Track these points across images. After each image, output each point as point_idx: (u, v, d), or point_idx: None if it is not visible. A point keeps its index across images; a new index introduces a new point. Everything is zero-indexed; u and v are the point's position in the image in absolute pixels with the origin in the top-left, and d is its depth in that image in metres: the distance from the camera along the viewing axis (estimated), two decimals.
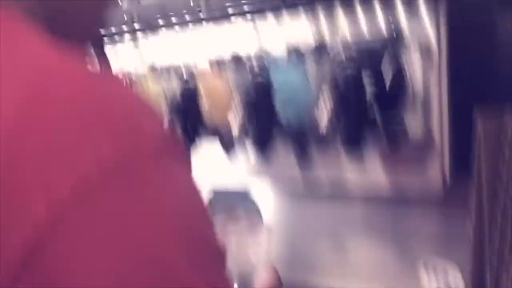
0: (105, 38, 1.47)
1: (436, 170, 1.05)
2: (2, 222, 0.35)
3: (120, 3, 1.42)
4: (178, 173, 0.39)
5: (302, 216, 1.36)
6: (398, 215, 1.27)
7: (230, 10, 1.29)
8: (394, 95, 1.08)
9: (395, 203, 1.26)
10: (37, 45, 0.41)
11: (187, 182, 0.40)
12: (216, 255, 0.40)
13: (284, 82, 1.24)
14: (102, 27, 0.53)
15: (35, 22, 0.45)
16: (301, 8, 1.21)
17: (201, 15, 1.32)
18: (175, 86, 1.41)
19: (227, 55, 1.29)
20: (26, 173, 0.36)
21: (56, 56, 0.40)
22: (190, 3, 1.26)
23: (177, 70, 1.39)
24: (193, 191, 0.40)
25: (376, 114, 1.09)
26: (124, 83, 0.42)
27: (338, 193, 1.22)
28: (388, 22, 1.11)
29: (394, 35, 1.05)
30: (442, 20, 1.04)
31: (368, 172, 1.15)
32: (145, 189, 0.37)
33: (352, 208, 1.32)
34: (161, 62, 1.42)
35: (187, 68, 1.38)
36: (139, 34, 1.48)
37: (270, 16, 1.27)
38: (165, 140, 0.39)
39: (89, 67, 0.41)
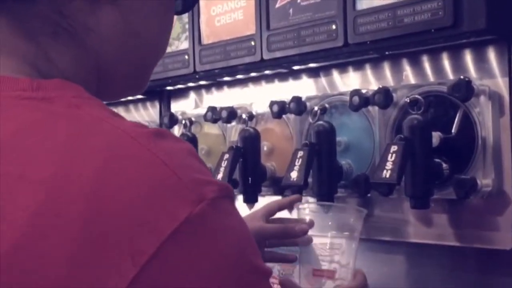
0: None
1: (507, 223, 0.99)
2: (89, 271, 0.40)
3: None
4: (230, 208, 0.47)
5: (362, 260, 1.31)
6: (462, 266, 1.21)
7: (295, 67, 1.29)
8: (461, 142, 1.04)
9: (461, 254, 1.21)
10: (106, 117, 0.47)
11: (236, 213, 0.48)
12: (263, 274, 0.48)
13: (346, 125, 1.22)
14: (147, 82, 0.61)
15: (90, 89, 0.53)
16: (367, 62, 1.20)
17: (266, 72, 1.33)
18: (234, 128, 1.40)
19: (287, 97, 1.28)
20: (111, 228, 0.41)
21: (123, 125, 0.46)
22: (256, 58, 1.26)
23: (237, 112, 1.38)
24: (243, 223, 0.48)
25: (442, 161, 1.05)
26: (176, 137, 0.49)
27: (400, 240, 1.17)
28: (455, 69, 1.08)
29: (462, 80, 1.02)
30: None
31: (433, 221, 1.10)
32: (210, 236, 0.44)
33: (414, 255, 1.27)
34: (221, 103, 1.42)
35: (247, 109, 1.37)
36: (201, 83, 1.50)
37: (334, 71, 1.26)
38: (217, 184, 0.46)
39: (146, 126, 0.48)
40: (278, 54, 1.23)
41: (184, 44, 1.43)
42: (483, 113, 1.03)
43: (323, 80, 1.29)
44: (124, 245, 0.41)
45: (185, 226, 0.42)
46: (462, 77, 1.03)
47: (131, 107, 1.75)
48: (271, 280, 0.52)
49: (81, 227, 0.40)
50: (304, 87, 1.32)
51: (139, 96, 1.67)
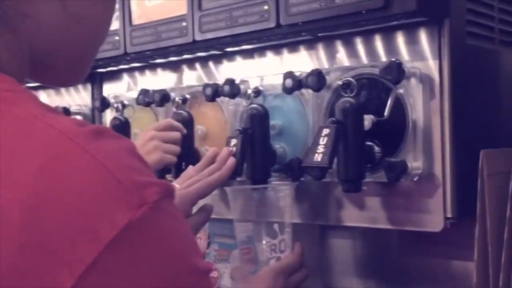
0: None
1: (437, 205, 1.00)
2: (27, 281, 0.39)
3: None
4: (171, 208, 0.45)
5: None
6: (395, 250, 1.22)
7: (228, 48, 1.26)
8: (393, 125, 1.04)
9: (393, 238, 1.22)
10: (41, 115, 0.44)
11: (178, 214, 0.46)
12: (203, 273, 0.47)
13: (279, 108, 1.20)
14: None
15: (23, 76, 0.51)
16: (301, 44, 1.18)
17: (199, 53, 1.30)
18: (167, 111, 1.37)
19: (221, 80, 1.25)
20: (49, 236, 0.39)
21: (60, 123, 0.44)
22: (188, 39, 1.22)
23: (170, 95, 1.34)
24: (183, 222, 0.47)
25: (374, 144, 1.05)
26: (116, 135, 0.47)
27: (333, 224, 1.17)
28: (387, 51, 1.07)
29: (393, 63, 1.01)
30: (445, 49, 1.00)
31: (365, 204, 1.10)
32: (151, 242, 0.42)
33: (347, 240, 1.27)
34: (155, 86, 1.38)
35: (180, 92, 1.34)
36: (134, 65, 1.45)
37: (269, 52, 1.24)
38: (159, 184, 0.44)
39: (86, 125, 0.45)
40: (210, 35, 1.19)
41: (115, 25, 1.37)
42: (414, 95, 1.03)
43: (257, 62, 1.26)
44: (62, 254, 0.39)
45: (125, 233, 0.41)
46: (393, 59, 1.02)
47: (63, 90, 1.68)
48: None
49: (18, 235, 0.39)
50: (238, 69, 1.29)
51: None
